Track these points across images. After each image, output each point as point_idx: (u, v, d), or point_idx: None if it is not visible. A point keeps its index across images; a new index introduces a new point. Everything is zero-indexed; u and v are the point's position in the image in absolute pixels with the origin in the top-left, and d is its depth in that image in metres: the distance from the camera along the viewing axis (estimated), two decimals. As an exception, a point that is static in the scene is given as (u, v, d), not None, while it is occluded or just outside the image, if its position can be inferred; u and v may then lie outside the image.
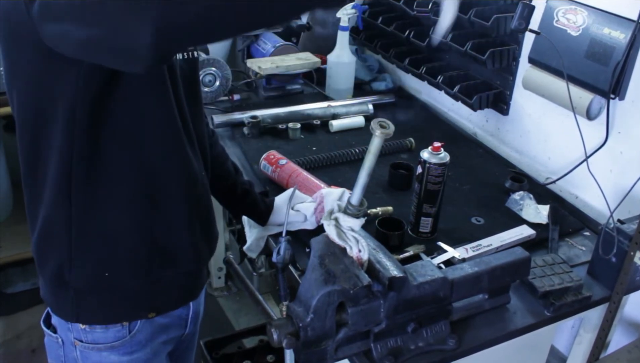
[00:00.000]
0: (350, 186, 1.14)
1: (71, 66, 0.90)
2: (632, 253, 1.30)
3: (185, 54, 1.09)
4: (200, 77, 2.07)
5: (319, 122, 2.03)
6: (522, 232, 1.51)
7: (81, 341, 1.13)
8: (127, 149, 1.01)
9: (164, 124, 1.04)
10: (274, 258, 1.15)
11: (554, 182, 1.75)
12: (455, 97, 1.94)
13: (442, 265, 1.35)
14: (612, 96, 1.52)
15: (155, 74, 0.98)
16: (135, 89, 0.97)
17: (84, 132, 0.97)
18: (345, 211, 1.08)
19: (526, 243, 1.48)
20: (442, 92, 2.01)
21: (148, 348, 1.18)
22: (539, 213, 1.59)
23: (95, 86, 0.93)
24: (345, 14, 2.13)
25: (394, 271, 1.08)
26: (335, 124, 2.02)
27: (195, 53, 1.12)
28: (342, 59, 2.20)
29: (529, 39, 1.72)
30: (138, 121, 1.00)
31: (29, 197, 1.09)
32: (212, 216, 1.22)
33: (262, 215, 1.44)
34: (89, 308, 1.11)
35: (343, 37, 2.17)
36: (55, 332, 1.16)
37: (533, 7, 1.52)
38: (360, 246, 1.08)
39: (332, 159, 1.82)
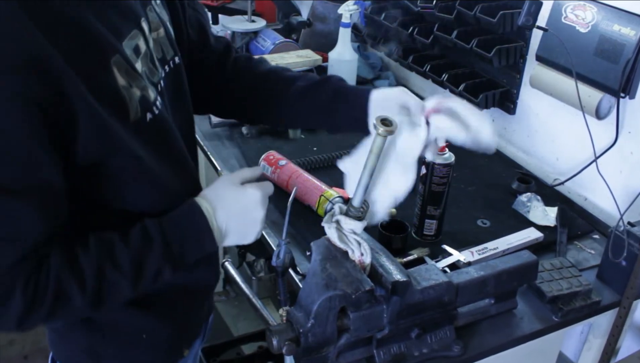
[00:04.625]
0: None
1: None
2: (643, 257, 1.29)
3: (167, 66, 1.04)
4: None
5: (320, 121, 2.00)
6: (530, 235, 1.49)
7: None
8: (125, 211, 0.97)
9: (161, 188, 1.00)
10: (274, 262, 1.15)
11: (562, 183, 1.73)
12: (461, 96, 1.91)
13: (446, 269, 1.33)
14: (622, 94, 1.50)
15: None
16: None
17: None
18: (346, 214, 1.07)
19: (533, 246, 1.47)
20: (447, 90, 2.00)
21: None
22: (546, 215, 1.57)
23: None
24: (347, 10, 2.11)
25: (397, 275, 1.07)
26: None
27: (177, 59, 1.07)
28: (344, 56, 2.18)
29: (536, 36, 1.71)
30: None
31: None
32: None
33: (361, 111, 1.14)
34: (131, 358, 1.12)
35: (345, 34, 2.15)
36: None
37: (541, 3, 1.51)
38: (362, 250, 1.07)
39: (334, 159, 1.79)
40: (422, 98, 2.19)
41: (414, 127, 1.06)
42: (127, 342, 1.09)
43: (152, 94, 0.94)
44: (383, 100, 1.12)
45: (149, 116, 0.93)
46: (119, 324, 1.06)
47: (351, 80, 2.23)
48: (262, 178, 1.15)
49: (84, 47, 0.83)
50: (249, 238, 1.04)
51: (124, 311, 1.03)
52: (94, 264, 0.87)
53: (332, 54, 2.19)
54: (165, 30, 1.04)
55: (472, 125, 1.03)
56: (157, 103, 0.96)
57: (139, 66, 0.93)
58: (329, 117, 1.21)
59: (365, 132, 1.11)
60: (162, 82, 1.01)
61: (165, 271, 0.94)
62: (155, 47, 1.00)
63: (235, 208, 1.00)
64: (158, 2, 1.04)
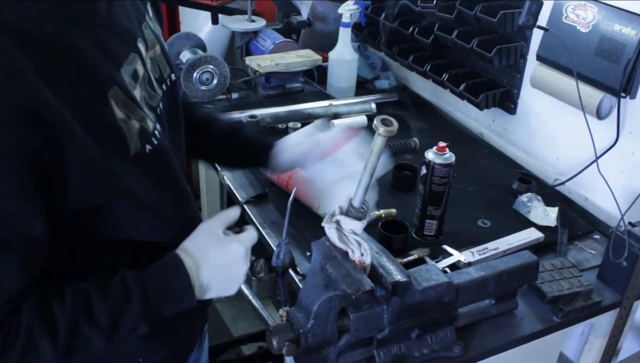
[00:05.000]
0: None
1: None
2: (644, 257, 1.29)
3: (164, 85, 1.02)
4: (198, 76, 2.05)
5: (320, 121, 2.00)
6: (530, 235, 1.49)
7: None
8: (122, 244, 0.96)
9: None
10: (274, 262, 1.15)
11: (562, 183, 1.73)
12: (461, 96, 1.92)
13: (447, 269, 1.33)
14: (623, 94, 1.50)
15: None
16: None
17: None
18: (347, 214, 1.07)
19: (534, 247, 1.47)
20: (447, 90, 2.00)
21: None
22: (547, 215, 1.57)
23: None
24: (347, 10, 2.11)
25: (398, 276, 1.07)
26: (337, 124, 1.99)
27: (173, 76, 1.05)
28: (344, 56, 2.18)
29: (537, 36, 1.70)
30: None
31: None
32: None
33: (261, 157, 1.22)
34: None
35: (345, 34, 2.15)
36: None
37: (541, 3, 1.50)
38: (362, 250, 1.07)
39: (334, 159, 1.78)
40: (422, 98, 2.19)
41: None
42: None
43: (150, 124, 0.92)
44: (294, 143, 1.20)
45: (148, 148, 0.91)
46: (116, 351, 1.01)
47: (351, 80, 2.22)
48: (241, 220, 1.13)
49: (80, 81, 0.80)
50: (230, 292, 1.01)
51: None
52: (68, 317, 0.84)
53: (332, 54, 2.19)
54: (161, 46, 1.02)
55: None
56: (156, 132, 0.93)
57: (137, 92, 0.91)
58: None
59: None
60: (160, 104, 0.99)
61: (142, 327, 0.91)
62: (152, 67, 0.98)
63: (218, 264, 0.97)
64: (151, 14, 1.02)
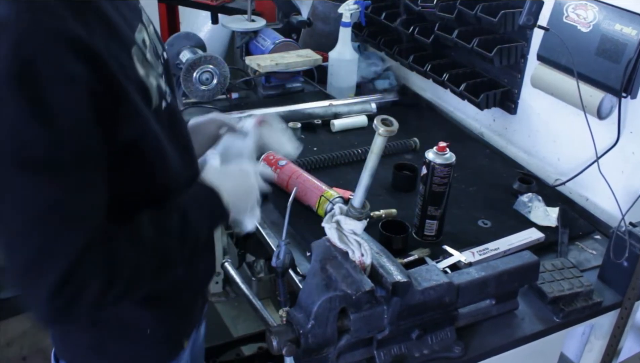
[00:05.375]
0: (352, 187, 1.13)
1: None
2: (645, 258, 1.29)
3: (160, 59, 1.08)
4: (197, 75, 2.05)
5: (320, 121, 2.01)
6: (531, 235, 1.49)
7: None
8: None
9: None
10: (274, 263, 1.14)
11: (563, 183, 1.73)
12: (461, 96, 1.92)
13: (447, 270, 1.33)
14: (623, 94, 1.50)
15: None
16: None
17: None
18: (347, 214, 1.07)
19: (535, 247, 1.47)
20: (448, 90, 1.99)
21: (184, 360, 1.22)
22: (548, 215, 1.57)
23: None
24: (348, 10, 2.11)
25: (398, 276, 1.07)
26: (337, 124, 2.00)
27: (165, 54, 1.11)
28: (344, 56, 2.17)
29: (537, 36, 1.70)
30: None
31: None
32: None
33: None
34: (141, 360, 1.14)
35: (345, 34, 2.15)
36: None
37: (542, 3, 1.50)
38: (362, 250, 1.06)
39: (334, 159, 1.79)
40: (422, 98, 2.20)
41: (244, 136, 1.27)
42: (132, 338, 1.10)
43: (163, 84, 1.01)
44: (195, 127, 1.26)
45: (164, 104, 0.99)
46: (123, 321, 1.07)
47: (351, 80, 2.22)
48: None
49: (110, 35, 0.86)
50: (247, 211, 1.10)
51: (129, 309, 1.05)
52: (163, 226, 0.93)
53: (333, 54, 2.19)
54: (153, 25, 1.10)
55: (274, 142, 1.30)
56: (167, 93, 1.02)
57: (148, 57, 0.98)
58: None
59: None
60: (163, 75, 1.05)
61: (202, 233, 1.01)
62: (151, 42, 1.05)
63: (235, 189, 1.07)
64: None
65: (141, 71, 0.92)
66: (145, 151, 0.95)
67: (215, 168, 1.11)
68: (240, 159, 1.22)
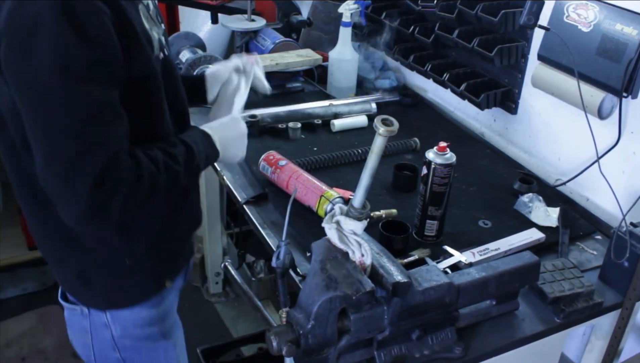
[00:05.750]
0: (352, 187, 1.13)
1: None
2: (646, 258, 1.28)
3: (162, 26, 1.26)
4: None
5: (320, 121, 2.00)
6: (531, 236, 1.49)
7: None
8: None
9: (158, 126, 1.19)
10: (274, 263, 1.14)
11: (564, 184, 1.72)
12: (462, 96, 1.91)
13: (448, 270, 1.32)
14: (624, 94, 1.49)
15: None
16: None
17: None
18: (347, 214, 1.07)
19: (535, 247, 1.46)
20: (448, 90, 1.99)
21: (169, 297, 1.35)
22: (548, 215, 1.57)
23: None
24: (348, 10, 2.10)
25: (398, 276, 1.07)
26: (337, 124, 2.00)
27: (162, 25, 1.26)
28: (344, 56, 2.17)
29: (538, 36, 1.70)
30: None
31: (32, 202, 1.17)
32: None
33: (198, 91, 1.50)
34: (113, 297, 1.25)
35: (345, 34, 2.14)
36: (76, 303, 1.27)
37: (542, 3, 1.50)
38: (363, 251, 1.06)
39: (334, 160, 1.79)
40: (423, 98, 2.20)
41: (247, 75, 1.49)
42: (115, 270, 1.22)
43: (163, 39, 1.20)
44: (215, 72, 1.46)
45: (161, 55, 1.17)
46: (107, 250, 1.19)
47: (352, 79, 2.22)
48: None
49: None
50: (237, 157, 1.32)
51: (113, 238, 1.18)
52: (165, 156, 1.09)
53: (333, 54, 2.18)
54: (154, 4, 1.24)
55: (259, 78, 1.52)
56: (165, 49, 1.20)
57: (152, 15, 1.17)
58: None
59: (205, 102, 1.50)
60: (163, 37, 1.22)
61: (201, 165, 1.18)
62: (155, 9, 1.22)
63: (229, 136, 1.28)
64: None
65: (146, 24, 1.11)
66: (149, 91, 1.12)
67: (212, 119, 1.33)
68: (238, 94, 1.44)
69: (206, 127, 1.26)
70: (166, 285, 1.31)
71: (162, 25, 1.25)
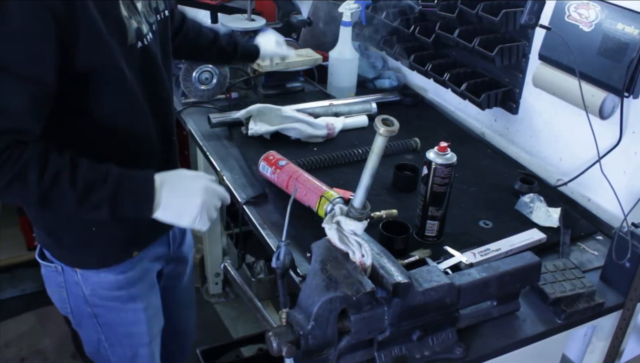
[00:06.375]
0: (353, 187, 1.13)
1: None
2: (647, 259, 1.28)
3: (159, 15, 1.30)
4: (197, 75, 2.04)
5: (320, 121, 1.99)
6: (532, 236, 1.48)
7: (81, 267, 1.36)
8: (94, 130, 1.20)
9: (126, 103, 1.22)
10: (274, 263, 1.13)
11: (565, 184, 1.72)
12: (463, 96, 1.91)
13: (448, 270, 1.32)
14: (626, 94, 1.49)
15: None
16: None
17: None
18: (347, 215, 1.07)
19: (536, 248, 1.46)
20: (449, 90, 1.99)
21: (140, 266, 1.41)
22: (549, 216, 1.56)
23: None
24: (348, 9, 2.10)
25: (399, 277, 1.07)
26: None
27: (166, 12, 1.33)
28: (345, 55, 2.17)
29: (539, 35, 1.70)
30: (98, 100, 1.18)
31: None
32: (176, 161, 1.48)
33: (253, 55, 1.89)
34: (82, 258, 1.33)
35: (345, 33, 2.14)
36: (52, 261, 1.36)
37: (543, 2, 1.49)
38: (363, 251, 1.06)
39: (334, 160, 1.79)
40: (423, 97, 2.20)
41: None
42: (81, 233, 1.28)
43: (145, 28, 1.22)
44: (267, 39, 1.91)
45: (139, 44, 1.20)
46: (72, 216, 1.24)
47: (352, 79, 2.22)
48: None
49: None
50: (183, 220, 1.17)
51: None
52: (57, 167, 1.06)
53: (333, 53, 2.18)
54: None
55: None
56: (148, 37, 1.23)
57: (139, 5, 1.21)
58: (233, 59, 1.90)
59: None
60: (155, 26, 1.27)
61: (103, 209, 1.11)
62: None
63: (179, 188, 1.17)
64: None
65: (124, 12, 1.14)
66: (104, 81, 1.13)
67: (176, 172, 1.23)
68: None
69: (160, 176, 1.17)
70: (132, 255, 1.37)
71: (165, 12, 1.30)
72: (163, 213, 1.15)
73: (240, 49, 1.83)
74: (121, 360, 1.50)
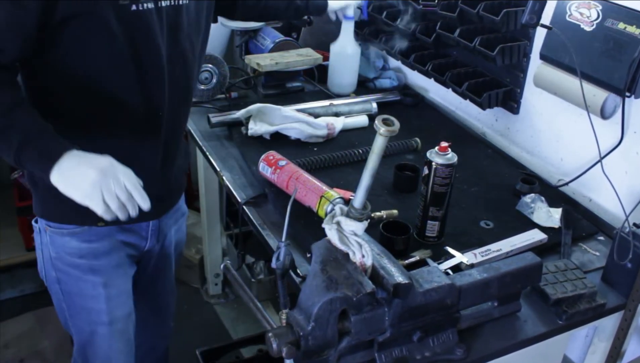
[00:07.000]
0: (353, 188, 1.13)
1: None
2: (649, 259, 1.28)
3: (171, 0, 1.27)
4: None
5: (321, 121, 1.98)
6: (534, 236, 1.48)
7: (50, 226, 1.39)
8: (76, 88, 1.23)
9: (111, 66, 1.23)
10: (274, 264, 1.13)
11: (566, 184, 1.72)
12: (463, 96, 1.91)
13: (449, 271, 1.32)
14: (627, 94, 1.48)
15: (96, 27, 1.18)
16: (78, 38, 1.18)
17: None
18: (347, 215, 1.06)
19: (537, 248, 1.46)
20: (450, 90, 1.99)
21: (106, 242, 1.42)
22: (550, 216, 1.56)
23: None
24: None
25: (399, 278, 1.06)
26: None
27: (183, 1, 1.29)
28: (346, 50, 2.16)
29: (540, 35, 1.69)
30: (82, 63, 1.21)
31: None
32: (176, 147, 1.45)
33: (321, 8, 1.98)
34: (50, 209, 1.37)
35: (348, 27, 2.13)
36: (37, 221, 1.42)
37: (545, 1, 1.49)
38: (363, 251, 1.06)
39: (335, 160, 1.78)
40: (424, 97, 2.19)
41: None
42: (49, 182, 1.18)
43: None
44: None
45: (133, 7, 1.18)
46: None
47: (353, 74, 2.21)
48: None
49: None
50: (75, 193, 1.13)
51: None
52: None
53: (334, 47, 2.17)
54: None
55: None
56: (146, 5, 1.20)
57: None
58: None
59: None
60: (162, 2, 1.24)
61: (13, 142, 1.12)
62: None
63: (80, 161, 1.15)
64: None
65: None
66: (87, 29, 1.15)
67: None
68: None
69: (78, 150, 1.16)
70: (98, 224, 1.37)
71: (178, 0, 1.29)
72: (57, 177, 1.13)
73: (311, 4, 1.94)
74: (80, 335, 1.53)
